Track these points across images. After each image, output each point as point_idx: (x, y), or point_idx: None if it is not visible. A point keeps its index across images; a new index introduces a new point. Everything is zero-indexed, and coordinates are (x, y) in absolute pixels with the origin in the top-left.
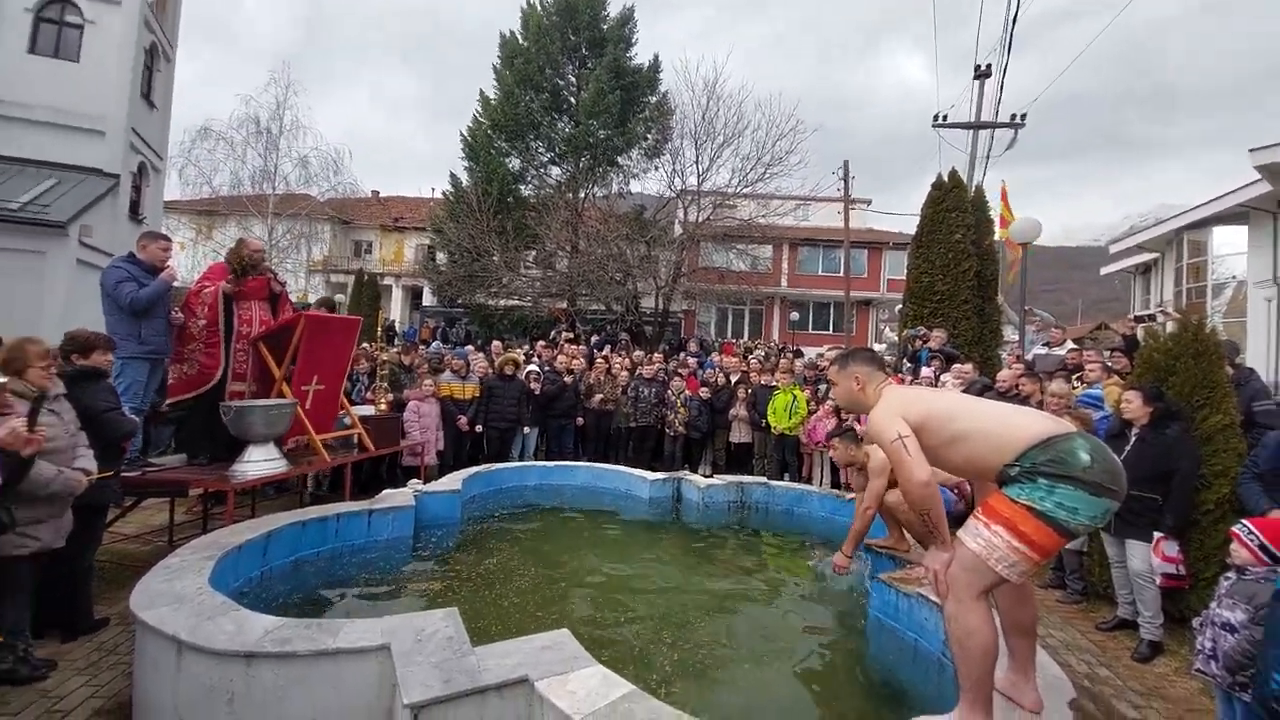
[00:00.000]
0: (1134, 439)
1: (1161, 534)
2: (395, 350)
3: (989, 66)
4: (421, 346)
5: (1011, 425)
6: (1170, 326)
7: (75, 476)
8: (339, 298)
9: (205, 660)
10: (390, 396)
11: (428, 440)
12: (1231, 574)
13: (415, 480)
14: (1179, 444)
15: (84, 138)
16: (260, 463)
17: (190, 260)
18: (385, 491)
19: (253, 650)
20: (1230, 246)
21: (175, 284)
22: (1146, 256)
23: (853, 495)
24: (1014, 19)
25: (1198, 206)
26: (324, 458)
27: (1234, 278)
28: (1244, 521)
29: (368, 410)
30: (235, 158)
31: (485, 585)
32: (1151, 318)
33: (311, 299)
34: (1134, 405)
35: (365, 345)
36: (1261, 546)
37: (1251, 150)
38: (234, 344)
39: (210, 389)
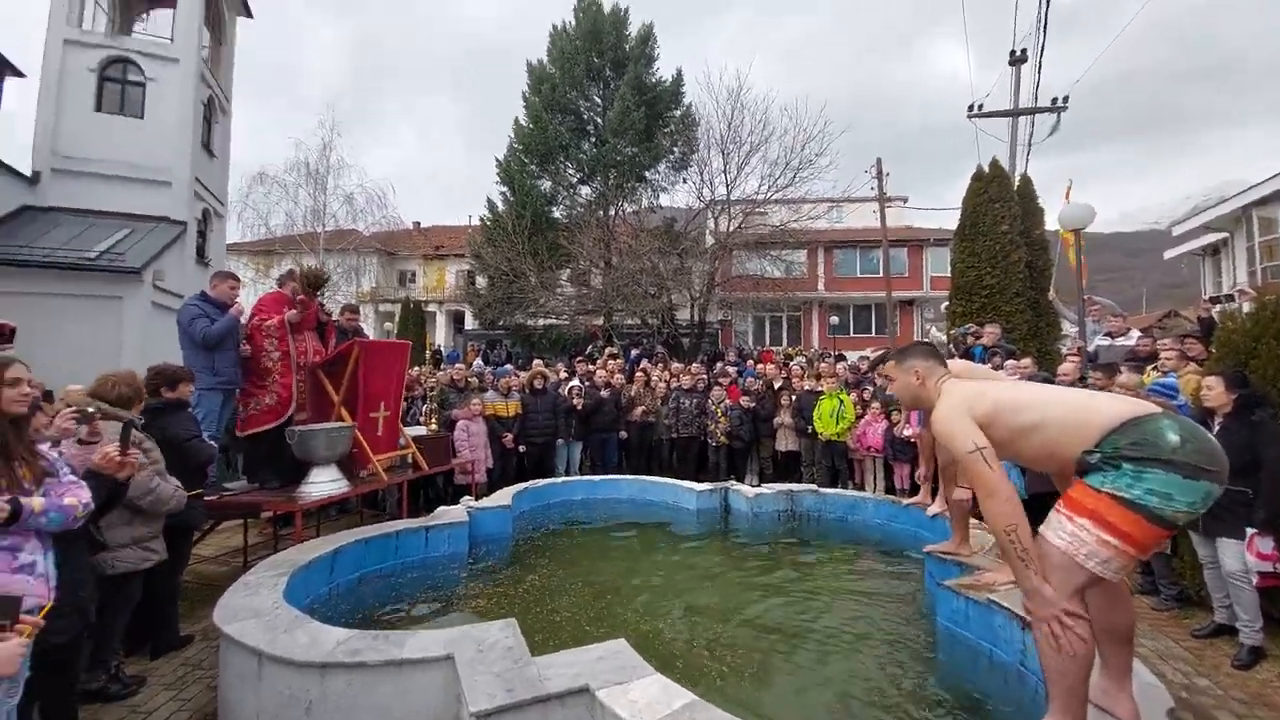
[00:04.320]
0: (1217, 428)
1: (1255, 530)
2: (447, 371)
3: (1024, 51)
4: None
5: (1087, 409)
6: (1247, 306)
7: (184, 495)
8: (388, 326)
9: (284, 670)
10: (437, 417)
11: (478, 458)
12: None
13: (468, 497)
14: (1267, 431)
15: (152, 188)
16: (324, 484)
17: (252, 298)
18: (440, 509)
19: (326, 661)
20: None
21: (241, 319)
22: (1214, 236)
23: (909, 501)
24: (1047, 1)
25: (1264, 181)
26: (382, 477)
27: None
28: None
29: (419, 430)
30: (288, 199)
31: (537, 599)
32: (1229, 298)
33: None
34: (1216, 392)
35: (413, 369)
36: None
37: None
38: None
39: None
